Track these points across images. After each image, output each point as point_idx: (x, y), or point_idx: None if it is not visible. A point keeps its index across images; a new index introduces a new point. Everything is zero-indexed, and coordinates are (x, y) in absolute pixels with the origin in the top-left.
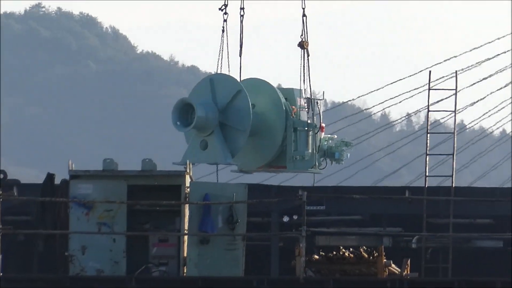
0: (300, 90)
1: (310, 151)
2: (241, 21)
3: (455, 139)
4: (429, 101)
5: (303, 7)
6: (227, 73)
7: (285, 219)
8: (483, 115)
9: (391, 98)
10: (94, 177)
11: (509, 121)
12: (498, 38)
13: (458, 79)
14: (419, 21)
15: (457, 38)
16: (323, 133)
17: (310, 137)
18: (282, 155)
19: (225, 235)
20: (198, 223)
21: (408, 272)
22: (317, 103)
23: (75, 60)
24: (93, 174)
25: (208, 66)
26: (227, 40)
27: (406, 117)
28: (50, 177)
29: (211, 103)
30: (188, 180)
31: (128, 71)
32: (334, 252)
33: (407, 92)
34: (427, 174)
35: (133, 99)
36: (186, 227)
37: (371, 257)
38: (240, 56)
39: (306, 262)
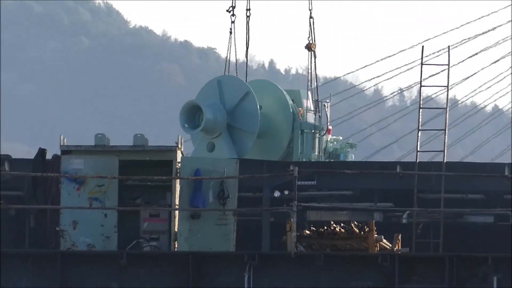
0: (307, 92)
1: (316, 153)
2: (247, 22)
3: (447, 114)
4: (422, 76)
5: (310, 8)
6: (234, 74)
7: (276, 194)
8: (476, 90)
9: (383, 74)
10: (85, 152)
11: (501, 96)
12: (491, 13)
13: (450, 54)
14: None
15: (450, 13)
16: (329, 136)
17: (317, 139)
18: (288, 157)
19: (216, 210)
20: (189, 198)
21: (399, 247)
22: (324, 105)
23: (67, 35)
24: (85, 149)
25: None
26: (235, 42)
27: (399, 92)
28: (41, 152)
29: (219, 105)
30: (179, 155)
31: (120, 46)
32: (325, 227)
33: (400, 67)
34: (418, 149)
35: (126, 74)
36: (177, 202)
37: (362, 232)
38: (247, 57)
39: (297, 237)
